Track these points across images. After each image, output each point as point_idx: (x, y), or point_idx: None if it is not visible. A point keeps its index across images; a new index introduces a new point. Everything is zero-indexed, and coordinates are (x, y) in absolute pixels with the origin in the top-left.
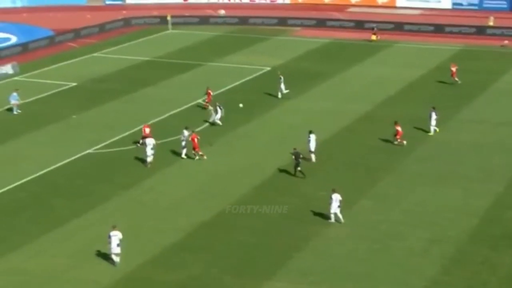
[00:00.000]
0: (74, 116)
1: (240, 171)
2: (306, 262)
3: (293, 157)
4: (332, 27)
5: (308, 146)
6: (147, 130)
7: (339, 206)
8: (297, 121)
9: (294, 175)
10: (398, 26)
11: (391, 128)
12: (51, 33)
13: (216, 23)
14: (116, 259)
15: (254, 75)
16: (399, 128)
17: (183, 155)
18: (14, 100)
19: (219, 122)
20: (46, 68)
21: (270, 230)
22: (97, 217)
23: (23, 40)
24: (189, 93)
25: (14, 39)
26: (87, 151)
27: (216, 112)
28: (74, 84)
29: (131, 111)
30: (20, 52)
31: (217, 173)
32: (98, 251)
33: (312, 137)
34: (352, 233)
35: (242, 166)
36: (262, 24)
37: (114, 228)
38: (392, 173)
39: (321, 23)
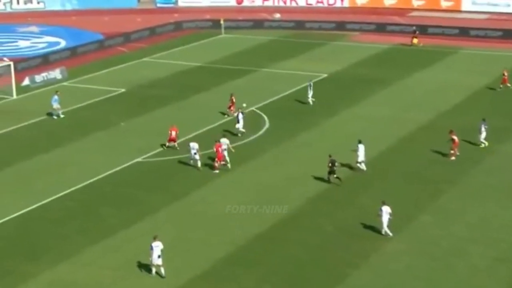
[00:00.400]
0: (122, 123)
1: (295, 182)
2: (363, 279)
3: (329, 164)
4: (392, 32)
5: (356, 156)
6: (173, 134)
7: (389, 219)
8: (356, 130)
9: (329, 181)
10: (463, 31)
11: (461, 137)
12: (100, 37)
13: (270, 27)
14: (159, 270)
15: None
16: (455, 137)
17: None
18: (56, 103)
19: (242, 130)
20: (94, 73)
21: (325, 244)
22: (146, 227)
23: (72, 44)
24: (242, 100)
25: (63, 43)
26: (136, 160)
27: (238, 121)
28: (123, 90)
29: (182, 118)
30: (68, 57)
31: (271, 184)
32: (147, 263)
33: (361, 147)
34: (411, 249)
35: (297, 176)
36: (319, 28)
37: (155, 238)
38: (455, 186)
39: (380, 28)
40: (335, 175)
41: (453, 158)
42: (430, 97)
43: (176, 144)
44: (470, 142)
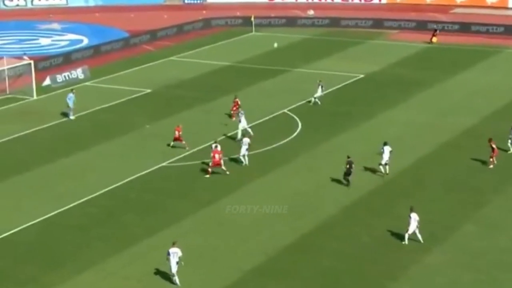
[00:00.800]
0: (147, 126)
1: (329, 188)
2: None
3: (347, 165)
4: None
5: (381, 158)
6: (177, 133)
7: (417, 226)
8: (393, 134)
9: (347, 184)
10: (509, 30)
11: (497, 144)
12: (125, 34)
13: (304, 25)
14: (175, 278)
15: (346, 83)
16: (494, 146)
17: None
18: (71, 102)
19: (248, 129)
20: (118, 73)
21: (361, 255)
22: (171, 236)
23: (95, 42)
24: (273, 102)
25: (85, 41)
26: (161, 164)
27: (240, 121)
28: (149, 90)
29: (210, 121)
30: (91, 55)
31: (304, 191)
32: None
33: (386, 149)
34: (454, 262)
35: (331, 182)
36: (355, 26)
37: (174, 244)
38: (499, 194)
39: (421, 26)
40: (348, 177)
41: (491, 166)
42: (471, 100)
43: (184, 142)
44: None
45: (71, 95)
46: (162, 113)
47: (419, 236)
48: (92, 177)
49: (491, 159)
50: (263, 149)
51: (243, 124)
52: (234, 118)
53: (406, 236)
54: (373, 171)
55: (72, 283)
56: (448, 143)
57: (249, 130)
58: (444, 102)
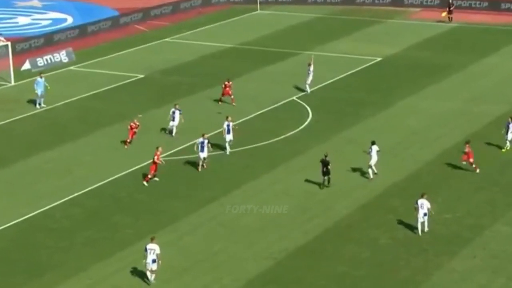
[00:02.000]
0: (140, 115)
1: (343, 186)
2: None
3: (323, 166)
4: (460, 8)
5: (369, 159)
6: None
7: (425, 214)
8: (415, 125)
9: (322, 185)
10: None
11: None
12: (114, 13)
13: (315, 3)
14: (150, 277)
15: (361, 67)
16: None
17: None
18: (41, 88)
19: (174, 130)
20: (107, 56)
21: (381, 260)
22: (166, 239)
23: (81, 22)
24: (281, 88)
25: (69, 20)
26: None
27: (173, 119)
28: (141, 76)
29: (211, 109)
30: (77, 36)
31: (314, 188)
32: (168, 281)
33: (374, 148)
34: (484, 266)
35: (346, 180)
36: (373, 3)
37: (152, 240)
38: None
39: (445, 3)
40: (329, 176)
41: (477, 170)
42: (501, 86)
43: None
44: None
45: (39, 80)
46: (156, 101)
47: (426, 224)
48: (77, 173)
49: (473, 165)
50: (270, 141)
51: (175, 122)
52: (234, 103)
53: (419, 226)
54: (392, 166)
55: None
56: (476, 134)
57: (174, 130)
58: (471, 88)
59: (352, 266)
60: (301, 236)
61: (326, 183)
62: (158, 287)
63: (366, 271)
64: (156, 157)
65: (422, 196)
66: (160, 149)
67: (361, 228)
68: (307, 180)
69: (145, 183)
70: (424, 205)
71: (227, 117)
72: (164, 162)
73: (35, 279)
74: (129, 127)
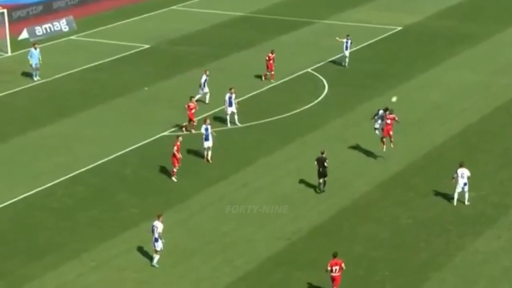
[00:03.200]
0: (146, 88)
1: (362, 163)
2: (447, 284)
3: (317, 165)
4: None
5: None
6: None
7: (465, 184)
8: (437, 98)
9: (318, 190)
10: None
11: None
12: None
13: None
14: (154, 258)
15: (380, 37)
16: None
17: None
18: (35, 60)
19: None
20: (110, 25)
21: (400, 240)
22: (174, 220)
23: None
24: (295, 59)
25: None
26: (162, 134)
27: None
28: (147, 46)
29: (220, 81)
30: (77, 4)
31: (332, 165)
32: (176, 264)
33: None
34: (509, 247)
35: (364, 157)
36: None
37: (158, 217)
38: None
39: None
40: (320, 180)
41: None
42: None
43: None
44: None
45: (33, 51)
46: (163, 72)
47: (467, 196)
48: (78, 149)
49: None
50: (283, 115)
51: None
52: (273, 79)
53: (455, 196)
54: (413, 142)
55: (55, 275)
56: (503, 108)
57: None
58: (496, 59)
59: (369, 247)
60: (316, 216)
61: (321, 186)
62: (164, 271)
63: (384, 252)
64: (176, 148)
65: (461, 166)
66: (180, 139)
67: (379, 207)
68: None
69: (173, 178)
70: (464, 174)
71: (230, 89)
72: (181, 156)
73: (35, 261)
74: (186, 106)
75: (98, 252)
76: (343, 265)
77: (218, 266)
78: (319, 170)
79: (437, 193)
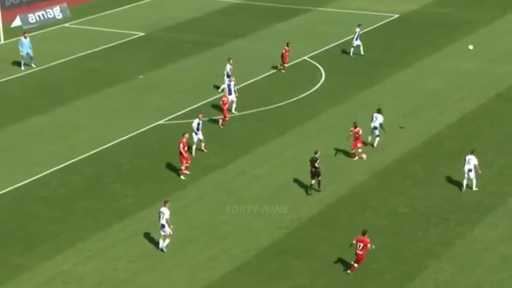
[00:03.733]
0: (141, 76)
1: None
2: (445, 273)
3: (310, 165)
4: None
5: (371, 127)
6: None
7: (470, 170)
8: (435, 86)
9: (310, 191)
10: None
11: None
12: None
13: None
14: (161, 243)
15: (377, 24)
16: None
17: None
18: (25, 49)
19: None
20: (105, 12)
21: (398, 229)
22: (171, 209)
23: None
24: (292, 47)
25: None
26: (158, 122)
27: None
28: (142, 33)
29: (216, 70)
30: None
31: (328, 154)
32: (172, 253)
33: (378, 117)
34: (507, 236)
35: (361, 145)
36: None
37: (165, 204)
38: None
39: None
40: (313, 181)
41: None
42: None
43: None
44: None
45: (23, 40)
46: (158, 60)
47: (474, 183)
48: (73, 138)
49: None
50: (280, 104)
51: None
52: (284, 70)
53: (464, 183)
54: (411, 130)
55: (50, 266)
56: (501, 96)
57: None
58: (495, 47)
59: (368, 236)
60: (313, 205)
61: (316, 186)
62: (162, 259)
63: (382, 241)
64: (182, 146)
65: (471, 152)
66: (186, 135)
67: (377, 195)
68: (319, 145)
69: (182, 177)
70: (471, 160)
71: (229, 76)
72: (187, 154)
73: (29, 251)
74: (221, 102)
75: (94, 241)
76: (369, 245)
77: (215, 255)
78: (311, 171)
79: (435, 182)
